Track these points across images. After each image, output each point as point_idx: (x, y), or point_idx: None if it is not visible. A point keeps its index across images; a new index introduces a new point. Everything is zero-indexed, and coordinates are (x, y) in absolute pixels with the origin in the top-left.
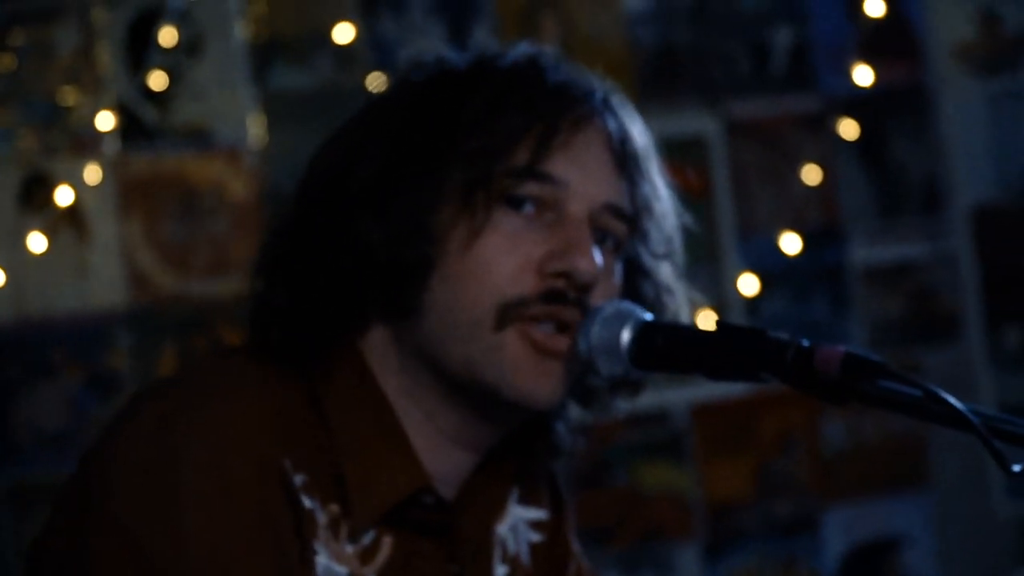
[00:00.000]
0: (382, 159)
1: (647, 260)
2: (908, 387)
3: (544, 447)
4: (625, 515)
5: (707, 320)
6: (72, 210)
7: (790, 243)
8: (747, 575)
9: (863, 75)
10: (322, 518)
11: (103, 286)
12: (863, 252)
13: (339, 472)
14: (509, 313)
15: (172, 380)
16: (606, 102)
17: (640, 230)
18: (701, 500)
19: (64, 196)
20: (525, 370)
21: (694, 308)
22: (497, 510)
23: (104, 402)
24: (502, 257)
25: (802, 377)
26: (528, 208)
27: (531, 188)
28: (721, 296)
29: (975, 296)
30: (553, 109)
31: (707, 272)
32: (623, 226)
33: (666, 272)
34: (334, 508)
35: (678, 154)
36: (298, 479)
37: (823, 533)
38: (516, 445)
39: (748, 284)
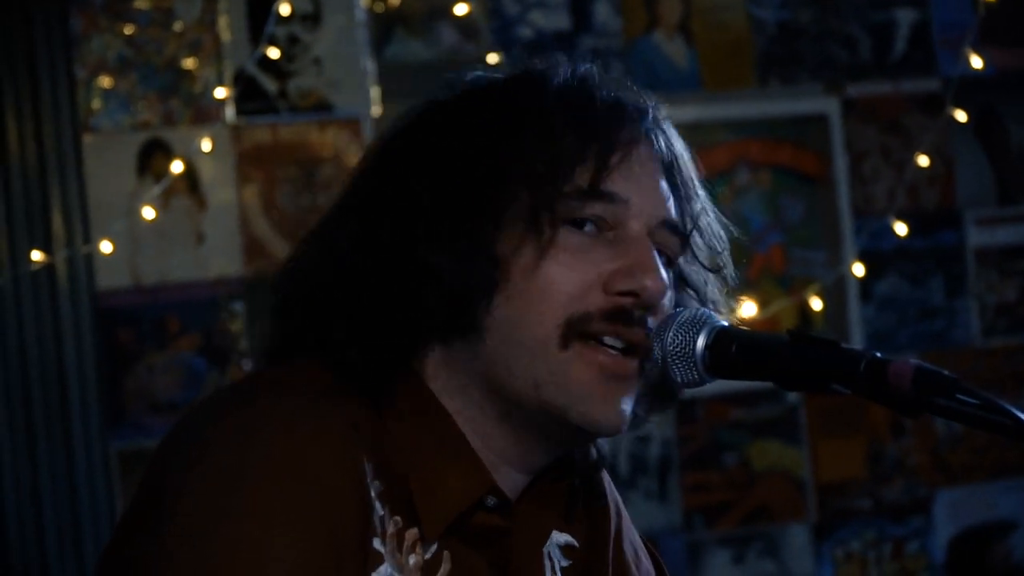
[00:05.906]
0: (444, 185)
1: (695, 276)
2: (979, 400)
3: (587, 464)
4: (736, 494)
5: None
6: (189, 178)
7: (905, 225)
8: (856, 556)
9: (982, 59)
10: (391, 528)
11: (218, 254)
12: (979, 235)
13: (404, 484)
14: (574, 329)
15: (247, 389)
16: (655, 120)
17: (691, 246)
18: (812, 480)
19: (180, 164)
20: (593, 396)
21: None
22: (547, 531)
23: (217, 370)
24: (568, 274)
25: (874, 390)
26: (589, 227)
27: (594, 208)
28: (838, 276)
29: None
30: (608, 129)
31: (824, 252)
32: (677, 242)
33: (712, 289)
34: (398, 519)
35: (796, 134)
36: (375, 486)
37: (933, 516)
38: (565, 464)
39: (863, 265)
